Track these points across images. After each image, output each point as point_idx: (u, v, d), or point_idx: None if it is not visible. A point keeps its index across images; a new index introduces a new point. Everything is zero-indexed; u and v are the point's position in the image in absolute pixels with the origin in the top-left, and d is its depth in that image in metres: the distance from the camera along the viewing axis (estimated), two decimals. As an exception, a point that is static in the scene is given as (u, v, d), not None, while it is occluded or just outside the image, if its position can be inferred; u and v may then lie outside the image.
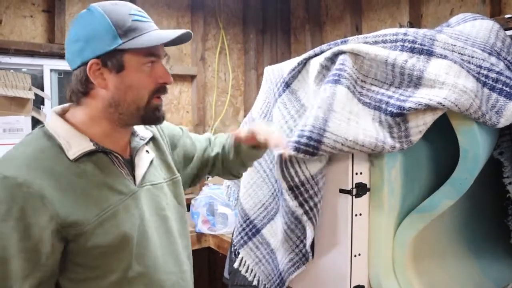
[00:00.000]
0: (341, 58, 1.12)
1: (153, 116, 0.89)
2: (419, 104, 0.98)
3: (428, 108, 0.98)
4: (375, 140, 1.03)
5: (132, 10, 0.86)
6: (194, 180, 1.19)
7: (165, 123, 1.09)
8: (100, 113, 0.86)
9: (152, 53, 0.85)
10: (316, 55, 1.23)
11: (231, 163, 1.19)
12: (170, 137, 1.10)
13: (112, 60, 0.82)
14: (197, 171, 1.17)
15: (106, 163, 0.86)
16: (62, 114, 0.89)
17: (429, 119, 0.99)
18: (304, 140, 1.02)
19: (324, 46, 1.22)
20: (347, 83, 1.08)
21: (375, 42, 1.13)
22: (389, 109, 1.03)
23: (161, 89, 0.88)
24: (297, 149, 1.03)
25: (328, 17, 2.63)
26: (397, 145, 1.03)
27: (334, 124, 1.02)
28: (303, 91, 1.29)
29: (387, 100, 1.05)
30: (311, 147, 1.02)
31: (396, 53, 1.07)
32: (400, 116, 1.02)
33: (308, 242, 1.15)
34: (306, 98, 1.27)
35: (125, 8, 0.86)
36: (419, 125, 1.00)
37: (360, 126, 1.05)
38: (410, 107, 0.99)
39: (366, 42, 1.13)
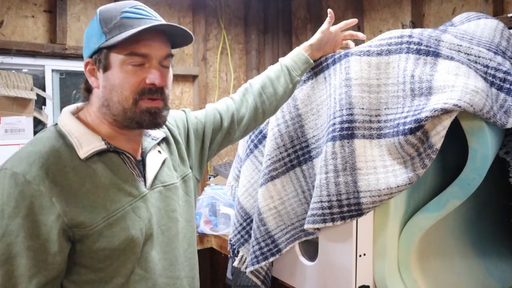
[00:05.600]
0: (346, 102, 1.10)
1: (146, 119, 0.83)
2: (434, 111, 0.96)
3: (444, 112, 0.96)
4: (406, 175, 1.03)
5: (128, 7, 0.83)
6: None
7: (191, 114, 1.09)
8: (99, 113, 0.86)
9: (134, 52, 0.80)
10: (322, 68, 1.24)
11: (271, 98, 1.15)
12: (195, 129, 1.07)
13: (100, 59, 0.83)
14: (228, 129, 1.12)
15: (118, 163, 0.85)
16: (76, 113, 0.88)
17: (447, 122, 0.97)
18: (345, 208, 1.09)
19: (329, 57, 1.23)
20: (362, 132, 1.08)
21: (380, 45, 1.12)
22: (407, 127, 1.00)
23: (148, 91, 0.82)
24: (343, 218, 1.10)
25: (329, 17, 2.62)
26: (426, 161, 1.01)
27: (363, 183, 1.06)
28: (302, 101, 1.28)
29: (403, 121, 1.03)
30: (355, 211, 1.09)
31: (403, 65, 1.06)
32: (419, 130, 0.99)
33: None
34: (304, 109, 1.27)
35: (121, 5, 0.84)
36: (439, 131, 0.98)
37: (389, 168, 1.05)
38: (427, 116, 0.97)
39: (370, 51, 1.12)
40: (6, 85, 1.92)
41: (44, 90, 2.30)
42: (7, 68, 2.12)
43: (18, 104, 1.97)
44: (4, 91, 1.91)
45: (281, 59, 1.22)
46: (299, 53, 1.21)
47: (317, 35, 1.23)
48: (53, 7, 2.27)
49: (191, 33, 0.86)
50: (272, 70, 1.19)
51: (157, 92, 0.83)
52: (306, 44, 1.24)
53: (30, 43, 2.21)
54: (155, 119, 0.84)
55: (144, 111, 0.83)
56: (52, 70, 2.35)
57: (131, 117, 0.83)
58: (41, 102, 2.28)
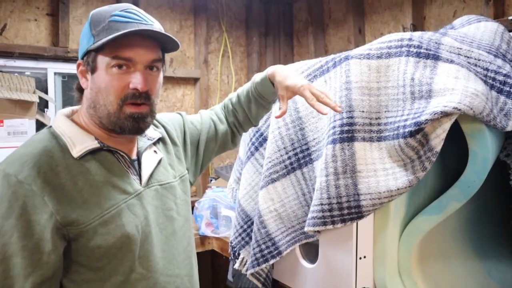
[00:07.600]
0: (346, 105, 1.10)
1: (129, 125, 0.83)
2: (434, 114, 0.96)
3: (444, 115, 0.96)
4: (406, 177, 1.03)
5: (118, 10, 0.83)
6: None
7: (187, 118, 1.10)
8: (88, 114, 0.86)
9: (118, 55, 0.81)
10: (322, 72, 1.24)
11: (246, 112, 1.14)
12: (190, 134, 1.09)
13: (88, 61, 0.84)
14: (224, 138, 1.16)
15: (112, 162, 0.86)
16: (70, 115, 0.89)
17: (447, 125, 0.97)
18: (346, 211, 1.10)
19: (329, 60, 1.23)
20: (362, 135, 1.09)
21: (380, 49, 1.12)
22: (407, 130, 1.00)
23: (131, 96, 0.82)
24: (343, 221, 1.11)
25: (330, 19, 2.63)
26: (426, 164, 1.01)
27: (363, 185, 1.07)
28: (302, 104, 1.29)
29: (403, 124, 1.03)
30: (355, 213, 1.09)
31: (403, 68, 1.06)
32: (419, 133, 0.99)
33: None
34: (305, 112, 1.27)
35: (113, 8, 0.84)
36: (439, 134, 0.98)
37: (389, 171, 1.06)
38: (426, 119, 0.97)
39: (370, 54, 1.12)
40: (9, 88, 1.94)
41: (46, 93, 2.31)
42: (10, 71, 2.14)
43: (20, 106, 1.99)
44: (7, 93, 1.92)
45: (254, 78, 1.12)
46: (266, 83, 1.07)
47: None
48: (55, 10, 2.29)
49: (174, 38, 0.86)
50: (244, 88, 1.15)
51: (141, 97, 0.83)
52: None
53: (33, 46, 2.22)
54: (138, 125, 0.84)
55: (127, 117, 0.83)
56: (55, 73, 2.36)
57: (115, 122, 0.83)
58: (43, 104, 2.30)
